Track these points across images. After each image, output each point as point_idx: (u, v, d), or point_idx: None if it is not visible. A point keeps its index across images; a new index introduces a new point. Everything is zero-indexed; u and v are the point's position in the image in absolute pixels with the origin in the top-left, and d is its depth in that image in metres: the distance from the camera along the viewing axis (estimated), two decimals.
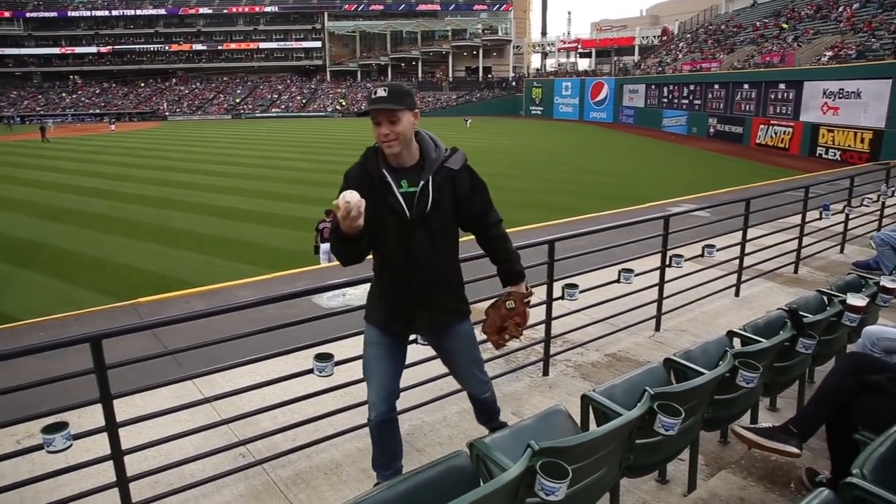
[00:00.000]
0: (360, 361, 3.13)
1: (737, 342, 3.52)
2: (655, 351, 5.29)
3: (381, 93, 2.57)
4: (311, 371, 3.35)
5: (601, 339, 5.42)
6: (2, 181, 23.52)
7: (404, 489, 2.10)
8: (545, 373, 4.90)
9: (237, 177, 23.16)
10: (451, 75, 79.67)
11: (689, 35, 55.25)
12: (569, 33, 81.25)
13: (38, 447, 2.83)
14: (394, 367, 2.99)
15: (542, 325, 4.90)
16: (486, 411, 3.37)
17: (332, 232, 2.56)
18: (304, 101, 76.68)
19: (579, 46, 74.86)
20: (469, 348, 3.10)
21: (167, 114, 74.00)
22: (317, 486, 3.40)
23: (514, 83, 74.26)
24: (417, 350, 3.99)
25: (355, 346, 4.55)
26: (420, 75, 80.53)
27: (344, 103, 74.22)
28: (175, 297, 8.76)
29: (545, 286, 4.76)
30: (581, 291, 4.73)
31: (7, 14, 79.49)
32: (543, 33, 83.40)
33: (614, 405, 2.69)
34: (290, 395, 3.62)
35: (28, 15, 79.98)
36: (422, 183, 2.67)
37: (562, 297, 4.75)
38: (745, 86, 35.14)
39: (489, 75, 79.13)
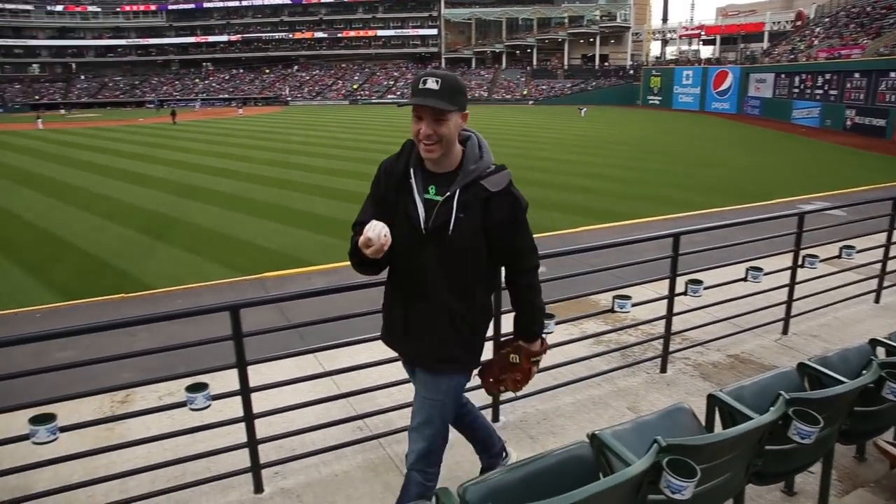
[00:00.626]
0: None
1: (880, 351, 3.26)
2: (782, 355, 5.01)
3: (432, 84, 2.16)
4: None
5: (723, 339, 5.21)
6: (142, 160, 25.58)
7: (524, 474, 2.13)
8: (663, 370, 4.78)
9: (353, 160, 23.89)
10: (566, 63, 78.11)
11: (827, 19, 51.09)
12: (692, 19, 77.65)
13: (178, 404, 3.08)
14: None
15: (662, 321, 4.77)
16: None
17: (353, 252, 2.28)
18: None
19: (703, 33, 71.25)
20: (433, 406, 2.52)
21: (289, 99, 77.69)
22: None
23: (631, 71, 71.75)
24: None
25: None
26: (535, 63, 79.55)
27: None
28: (297, 274, 9.23)
29: (668, 281, 4.64)
30: (704, 288, 4.57)
31: (153, 7, 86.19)
32: (664, 20, 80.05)
33: (743, 408, 2.57)
34: (406, 374, 3.71)
35: (170, 7, 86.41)
36: (447, 193, 2.29)
37: (684, 293, 4.60)
38: (893, 74, 32.05)
39: (606, 63, 76.91)
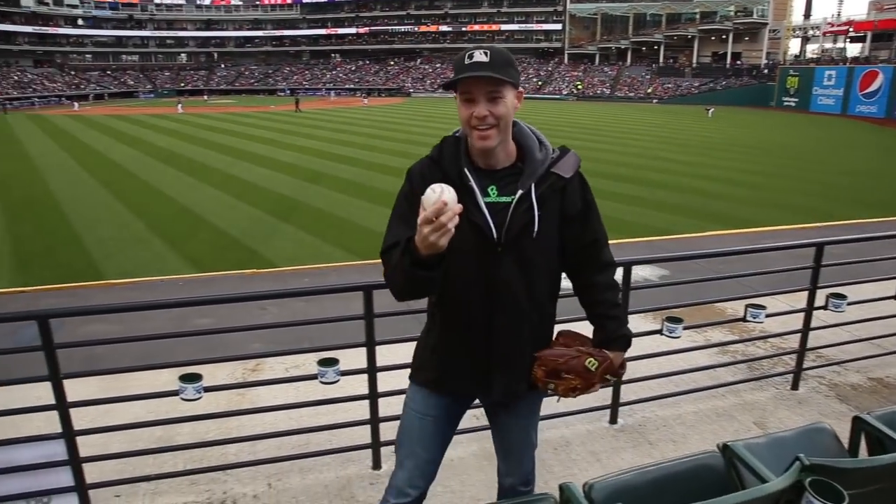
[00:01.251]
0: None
1: None
2: None
3: (481, 56, 1.82)
4: None
5: (864, 361, 4.79)
6: (272, 144, 27.05)
7: (653, 478, 2.07)
8: (794, 387, 4.46)
9: None
10: (694, 61, 74.52)
11: None
12: (838, 14, 71.36)
13: (305, 377, 3.20)
14: (441, 445, 2.26)
15: (795, 336, 4.45)
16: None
17: (403, 252, 1.76)
18: (539, 83, 77.14)
19: (850, 29, 65.36)
20: (533, 427, 2.34)
21: (411, 90, 79.28)
22: (545, 460, 3.43)
23: (765, 71, 67.29)
24: (661, 341, 3.84)
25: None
26: (661, 60, 76.54)
27: (580, 86, 73.37)
28: None
29: (804, 293, 4.32)
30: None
31: (289, 0, 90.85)
32: (807, 15, 74.18)
33: None
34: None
35: (304, 0, 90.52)
36: (520, 192, 1.92)
37: (823, 307, 4.26)
38: None
39: (738, 62, 72.52)
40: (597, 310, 2.17)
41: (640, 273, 8.47)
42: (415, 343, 2.28)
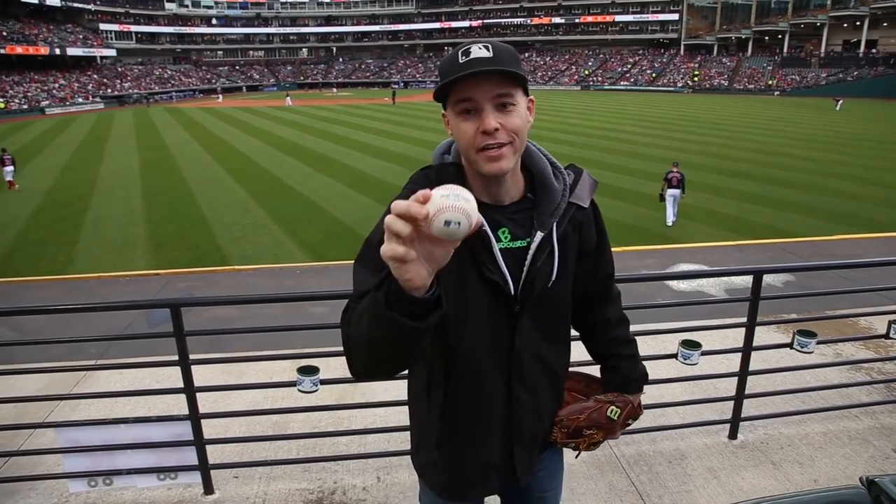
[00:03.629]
0: (717, 357, 2.85)
1: None
2: None
3: (480, 51, 1.34)
4: (673, 356, 3.18)
5: None
6: (384, 135, 27.75)
7: None
8: None
9: (581, 147, 23.54)
10: (823, 50, 68.86)
11: None
12: None
13: None
14: None
15: None
16: None
17: (379, 286, 1.12)
18: (653, 74, 74.33)
19: None
20: (560, 488, 1.96)
21: None
22: (659, 472, 3.27)
23: None
24: (786, 353, 3.55)
25: (721, 338, 4.28)
26: (785, 50, 71.41)
27: (697, 78, 70.03)
28: None
29: None
30: None
31: None
32: None
33: None
34: None
35: None
36: (539, 235, 1.48)
37: None
38: None
39: (873, 50, 66.23)
40: (610, 349, 1.82)
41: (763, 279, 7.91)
42: None
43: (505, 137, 1.35)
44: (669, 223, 12.51)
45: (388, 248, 1.00)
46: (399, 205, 0.98)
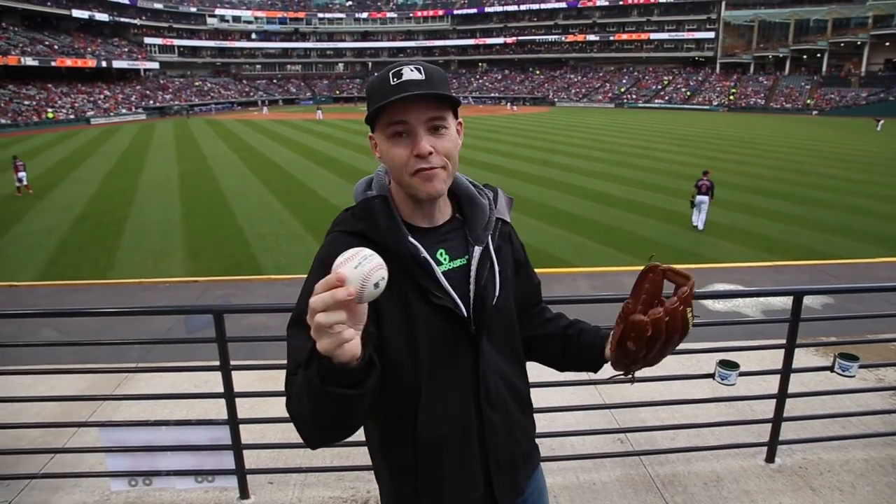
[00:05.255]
0: (754, 378, 2.83)
1: None
2: None
3: (413, 73, 1.34)
4: (710, 375, 3.14)
5: None
6: None
7: None
8: None
9: (614, 164, 23.42)
10: (863, 69, 67.51)
11: None
12: None
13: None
14: None
15: None
16: None
17: (308, 361, 1.11)
18: (688, 93, 73.78)
19: None
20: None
21: (555, 100, 78.80)
22: (694, 494, 3.23)
23: None
24: (825, 377, 3.48)
25: (758, 360, 4.21)
26: (824, 69, 70.22)
27: (733, 97, 69.28)
28: (562, 273, 9.31)
29: None
30: None
31: (440, 12, 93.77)
32: None
33: None
34: (674, 394, 3.48)
35: (455, 12, 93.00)
36: (478, 250, 1.48)
37: None
38: None
39: None
40: (565, 329, 1.68)
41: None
42: None
43: (438, 161, 1.35)
44: (697, 225, 13.40)
45: (329, 343, 1.01)
46: (322, 299, 0.99)
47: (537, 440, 1.73)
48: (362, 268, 1.01)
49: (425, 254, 1.40)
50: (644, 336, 1.35)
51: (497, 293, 1.49)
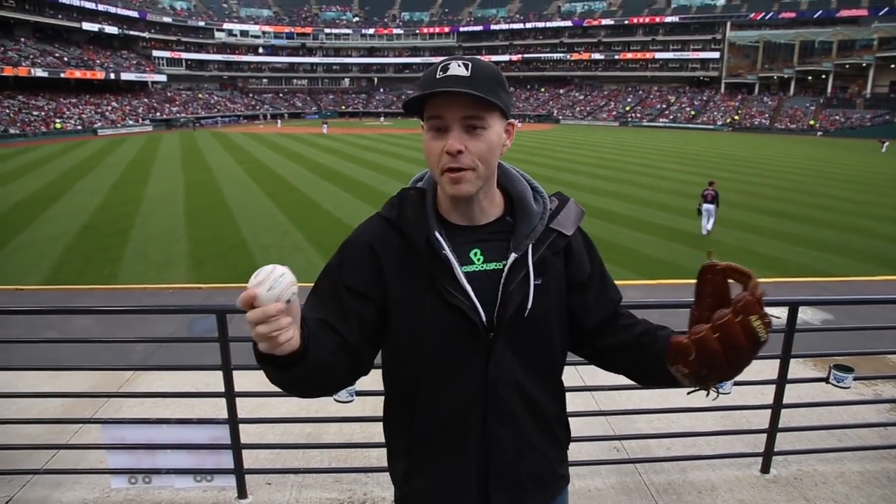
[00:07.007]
0: (750, 389, 2.85)
1: None
2: None
3: (459, 69, 1.32)
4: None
5: None
6: (422, 164, 27.99)
7: None
8: None
9: (618, 181, 23.51)
10: (868, 91, 67.82)
11: None
12: None
13: None
14: None
15: None
16: None
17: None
18: (693, 112, 74.08)
19: None
20: None
21: (560, 118, 79.18)
22: (689, 502, 3.26)
23: None
24: (822, 390, 3.51)
25: (754, 371, 4.24)
26: (829, 90, 70.56)
27: (738, 117, 69.62)
28: None
29: None
30: None
31: (447, 29, 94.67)
32: None
33: None
34: (669, 403, 3.50)
35: (461, 29, 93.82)
36: (513, 256, 1.42)
37: None
38: None
39: None
40: (638, 334, 1.51)
41: (800, 316, 7.81)
42: None
43: (468, 162, 1.33)
44: (704, 233, 14.71)
45: (267, 347, 1.13)
46: (255, 315, 1.09)
47: None
48: (273, 290, 1.10)
49: (447, 251, 1.38)
50: (689, 359, 1.24)
51: (529, 306, 1.41)
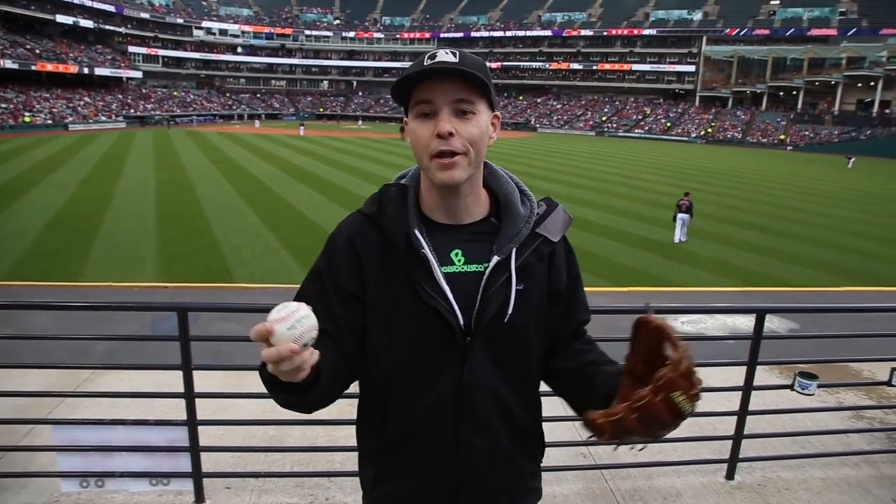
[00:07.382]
0: (717, 396, 2.83)
1: None
2: None
3: (447, 56, 1.30)
4: None
5: None
6: (398, 168, 27.91)
7: None
8: None
9: (593, 191, 23.68)
10: (836, 108, 69.52)
11: None
12: None
13: None
14: None
15: None
16: None
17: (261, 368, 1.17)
18: (668, 124, 75.14)
19: None
20: None
21: (537, 126, 79.69)
22: None
23: None
24: (786, 397, 3.52)
25: (722, 380, 4.24)
26: (800, 106, 72.17)
27: (711, 130, 70.79)
28: None
29: None
30: None
31: (427, 35, 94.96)
32: None
33: None
34: None
35: (441, 35, 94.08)
36: (495, 259, 1.37)
37: None
38: None
39: (886, 110, 66.63)
40: (593, 366, 1.44)
41: (767, 324, 7.93)
42: None
43: (460, 145, 1.29)
44: (676, 241, 15.02)
45: (284, 377, 1.10)
46: (269, 355, 1.05)
47: None
48: (294, 329, 1.06)
49: (427, 249, 1.34)
50: (602, 437, 1.20)
51: (509, 311, 1.37)
